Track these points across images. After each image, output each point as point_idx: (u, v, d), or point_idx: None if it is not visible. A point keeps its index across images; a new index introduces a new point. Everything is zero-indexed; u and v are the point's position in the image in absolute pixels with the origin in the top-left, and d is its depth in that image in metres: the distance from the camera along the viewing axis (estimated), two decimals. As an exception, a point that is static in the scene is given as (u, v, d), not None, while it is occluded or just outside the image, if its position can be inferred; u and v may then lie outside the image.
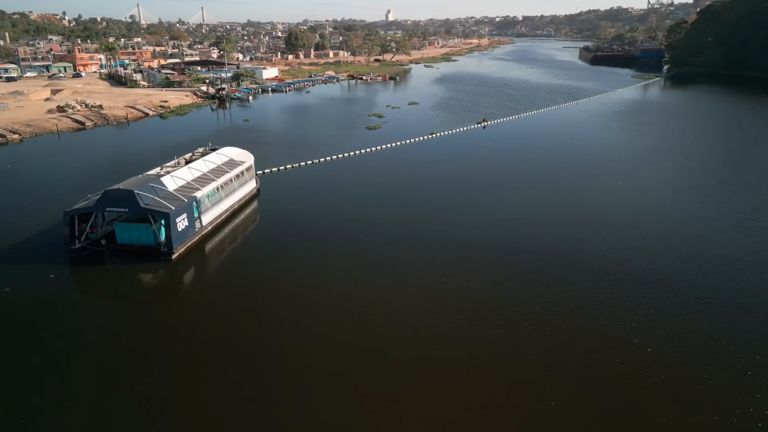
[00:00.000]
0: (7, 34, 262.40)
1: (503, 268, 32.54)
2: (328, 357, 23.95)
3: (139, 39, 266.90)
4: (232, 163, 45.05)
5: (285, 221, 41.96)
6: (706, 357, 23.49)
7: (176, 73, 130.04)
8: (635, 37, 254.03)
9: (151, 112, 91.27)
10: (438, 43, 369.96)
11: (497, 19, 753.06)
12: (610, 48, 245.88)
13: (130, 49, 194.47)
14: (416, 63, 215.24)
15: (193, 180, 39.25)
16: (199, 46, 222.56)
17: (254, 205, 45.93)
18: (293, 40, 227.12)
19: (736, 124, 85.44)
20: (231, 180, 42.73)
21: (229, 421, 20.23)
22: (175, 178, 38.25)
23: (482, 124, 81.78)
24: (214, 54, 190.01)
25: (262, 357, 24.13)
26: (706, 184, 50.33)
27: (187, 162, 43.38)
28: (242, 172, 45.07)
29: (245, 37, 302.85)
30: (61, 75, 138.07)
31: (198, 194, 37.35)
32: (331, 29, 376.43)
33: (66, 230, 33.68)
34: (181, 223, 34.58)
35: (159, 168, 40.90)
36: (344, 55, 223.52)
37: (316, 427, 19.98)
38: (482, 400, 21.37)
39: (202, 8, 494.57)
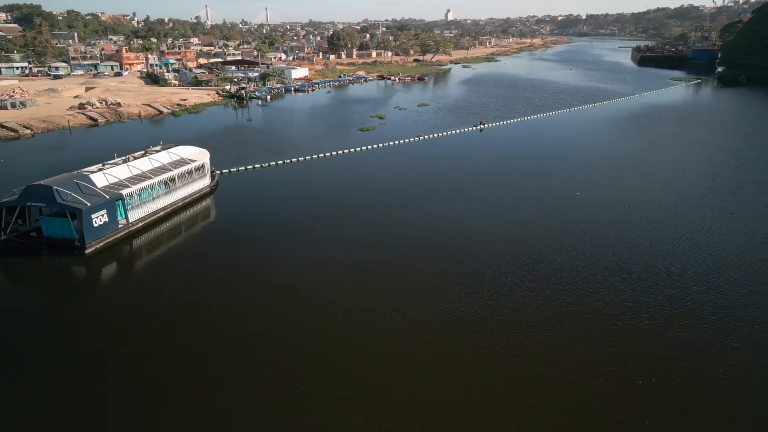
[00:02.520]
0: (76, 34, 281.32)
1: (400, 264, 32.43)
2: (209, 354, 24.86)
3: (195, 39, 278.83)
4: (180, 162, 46.77)
5: (236, 218, 43.60)
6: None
7: (206, 73, 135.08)
8: (690, 36, 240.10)
9: (165, 110, 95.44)
10: (490, 43, 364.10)
11: (559, 18, 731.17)
12: (661, 48, 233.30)
13: (176, 49, 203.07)
14: (456, 63, 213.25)
15: (127, 178, 41.12)
16: (245, 46, 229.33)
17: (206, 202, 47.51)
18: (335, 40, 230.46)
19: (750, 135, 78.80)
20: (174, 178, 44.34)
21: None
22: (107, 176, 40.21)
23: (479, 127, 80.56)
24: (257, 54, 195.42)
25: (145, 349, 25.31)
26: (667, 197, 47.32)
27: (135, 159, 45.37)
28: (191, 171, 46.71)
29: (294, 37, 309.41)
30: (105, 73, 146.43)
31: (125, 191, 39.12)
32: (383, 29, 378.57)
33: (-8, 222, 36.23)
34: (98, 219, 36.39)
35: (101, 164, 42.96)
36: (386, 55, 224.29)
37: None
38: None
39: (266, 9, 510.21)
